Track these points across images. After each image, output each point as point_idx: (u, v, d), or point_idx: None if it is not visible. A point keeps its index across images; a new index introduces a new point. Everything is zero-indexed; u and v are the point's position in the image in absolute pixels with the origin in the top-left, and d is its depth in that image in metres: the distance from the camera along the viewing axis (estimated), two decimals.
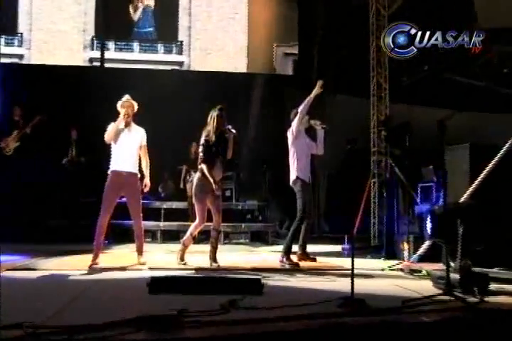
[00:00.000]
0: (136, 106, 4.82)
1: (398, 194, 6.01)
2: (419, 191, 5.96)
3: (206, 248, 5.02)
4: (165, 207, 7.76)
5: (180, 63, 10.64)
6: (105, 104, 5.06)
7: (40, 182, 7.63)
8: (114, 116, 4.78)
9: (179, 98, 8.61)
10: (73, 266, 4.69)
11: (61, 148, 7.92)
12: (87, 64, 10.19)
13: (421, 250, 5.06)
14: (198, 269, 4.64)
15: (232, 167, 8.44)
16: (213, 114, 4.79)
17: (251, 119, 9.53)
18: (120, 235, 6.82)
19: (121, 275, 4.32)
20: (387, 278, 4.45)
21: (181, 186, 7.92)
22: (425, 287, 3.85)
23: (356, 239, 6.21)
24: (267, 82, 9.58)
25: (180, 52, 10.62)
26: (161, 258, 5.46)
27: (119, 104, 4.80)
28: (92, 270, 4.43)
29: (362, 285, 3.78)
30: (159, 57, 10.55)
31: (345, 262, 5.11)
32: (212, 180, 4.72)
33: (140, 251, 4.86)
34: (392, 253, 5.70)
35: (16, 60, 9.70)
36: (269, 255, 6.07)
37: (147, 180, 4.86)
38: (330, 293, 3.59)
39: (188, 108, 8.18)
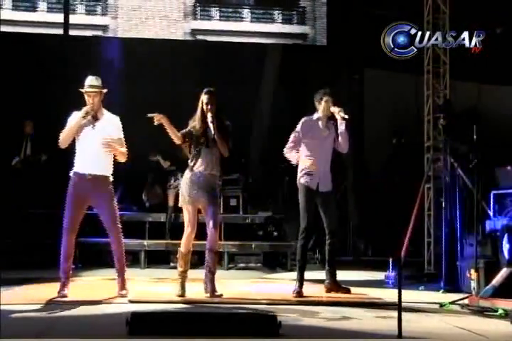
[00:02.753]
0: (104, 91, 4.82)
1: (462, 204, 5.95)
2: (492, 200, 5.91)
3: (202, 274, 5.03)
4: (150, 220, 7.78)
5: (303, 36, 10.16)
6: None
7: None
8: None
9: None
10: (30, 298, 4.72)
11: (10, 144, 7.98)
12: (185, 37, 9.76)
13: (495, 280, 4.98)
14: (193, 302, 4.65)
15: (238, 167, 8.46)
16: (201, 99, 4.93)
17: (263, 103, 9.54)
18: (90, 258, 6.86)
19: (93, 310, 4.33)
20: (448, 316, 4.41)
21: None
22: (501, 331, 3.83)
23: (405, 264, 6.20)
24: (286, 55, 9.58)
25: (302, 22, 10.19)
26: (145, 288, 5.47)
27: (83, 90, 4.79)
28: (57, 303, 4.45)
29: (412, 326, 3.76)
30: (276, 28, 9.98)
31: (389, 294, 5.09)
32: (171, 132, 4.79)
33: (122, 280, 4.85)
34: (455, 284, 5.65)
35: (99, 33, 9.41)
36: (288, 284, 6.05)
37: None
38: (369, 336, 3.56)
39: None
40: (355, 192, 9.47)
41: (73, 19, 8.87)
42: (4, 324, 3.72)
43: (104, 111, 4.86)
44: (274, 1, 9.99)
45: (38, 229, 7.28)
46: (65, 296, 4.62)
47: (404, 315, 3.41)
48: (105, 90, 4.84)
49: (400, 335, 3.26)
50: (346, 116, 5.19)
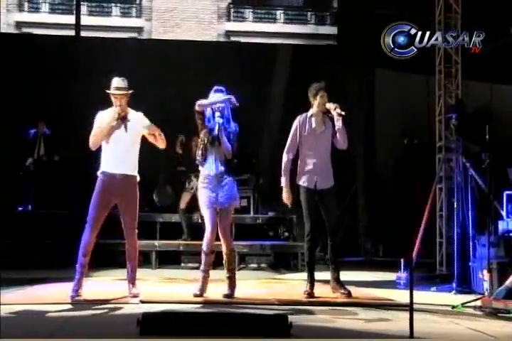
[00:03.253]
0: (130, 92, 4.82)
1: (475, 205, 5.91)
2: (504, 201, 5.86)
3: (217, 274, 5.03)
4: (161, 220, 7.79)
5: (333, 36, 10.23)
6: None
7: None
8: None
9: None
10: (42, 298, 4.74)
11: (23, 145, 8.04)
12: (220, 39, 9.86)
13: (508, 282, 4.92)
14: (204, 302, 4.66)
15: (249, 168, 8.46)
16: (210, 97, 4.90)
17: (274, 103, 9.54)
18: (102, 258, 6.87)
19: (105, 310, 4.35)
20: (460, 318, 4.38)
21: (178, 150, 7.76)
22: None
23: (417, 264, 6.16)
24: (297, 55, 9.58)
25: (334, 23, 10.15)
26: (156, 289, 5.48)
27: (109, 92, 4.81)
28: (72, 303, 4.48)
29: (424, 327, 3.74)
30: (308, 29, 10.11)
31: (400, 295, 5.06)
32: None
33: (132, 280, 4.87)
34: (467, 286, 5.63)
35: (134, 35, 9.65)
36: (298, 285, 6.04)
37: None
38: (380, 336, 3.55)
39: None
40: (366, 193, 9.44)
41: (108, 21, 9.10)
42: (16, 324, 3.76)
43: (130, 110, 4.88)
44: (307, 2, 10.05)
45: (48, 229, 7.33)
46: (78, 296, 4.63)
47: (415, 316, 3.39)
48: (131, 91, 4.84)
49: (411, 336, 3.25)
50: (343, 113, 5.00)
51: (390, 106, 9.50)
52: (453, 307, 4.76)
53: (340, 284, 5.18)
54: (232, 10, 9.72)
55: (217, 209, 4.89)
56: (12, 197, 7.89)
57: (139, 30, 9.56)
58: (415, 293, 3.48)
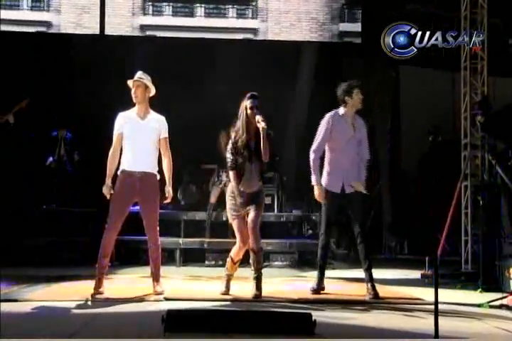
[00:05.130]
0: (152, 88, 4.87)
1: (500, 202, 5.85)
2: None
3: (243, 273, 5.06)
4: (185, 218, 7.83)
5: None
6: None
7: (12, 189, 7.67)
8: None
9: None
10: (67, 295, 4.81)
11: (44, 144, 8.15)
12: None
13: None
14: (229, 300, 4.69)
15: (273, 166, 8.45)
16: (244, 105, 4.76)
17: (297, 101, 9.53)
18: (126, 255, 6.95)
19: (130, 308, 4.39)
20: (486, 317, 4.33)
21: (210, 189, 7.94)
22: None
23: (442, 262, 6.12)
24: (320, 52, 9.55)
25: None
26: (180, 286, 5.53)
27: (130, 82, 4.86)
28: (94, 301, 4.53)
29: (449, 326, 3.71)
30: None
31: (425, 293, 5.03)
32: (237, 193, 4.78)
33: (156, 277, 4.91)
34: (493, 284, 5.56)
35: (250, 36, 9.74)
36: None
37: (169, 188, 4.87)
38: (405, 335, 3.52)
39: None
40: (391, 191, 9.38)
41: (223, 23, 9.40)
42: (41, 322, 3.82)
43: (151, 111, 4.91)
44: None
45: (73, 227, 7.43)
46: (101, 293, 4.67)
47: (440, 314, 3.37)
48: (151, 87, 4.83)
49: (436, 335, 3.23)
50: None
51: (415, 103, 9.43)
52: (479, 305, 4.72)
53: (371, 285, 4.98)
54: (346, 10, 9.71)
55: (245, 213, 4.83)
56: (37, 195, 8.02)
57: (255, 31, 9.67)
58: (440, 291, 3.45)
